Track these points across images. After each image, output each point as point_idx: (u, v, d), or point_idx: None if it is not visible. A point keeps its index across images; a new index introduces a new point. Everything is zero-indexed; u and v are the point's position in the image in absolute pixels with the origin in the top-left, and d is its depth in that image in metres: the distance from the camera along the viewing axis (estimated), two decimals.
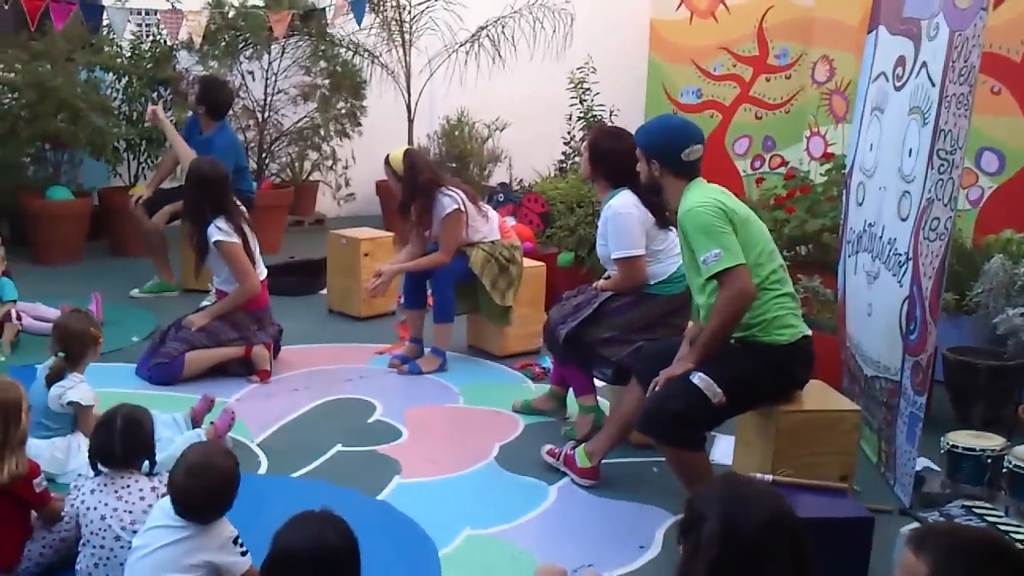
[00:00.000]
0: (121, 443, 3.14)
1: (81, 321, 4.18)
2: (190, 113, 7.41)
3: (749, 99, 8.89)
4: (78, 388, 4.00)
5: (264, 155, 8.73)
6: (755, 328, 3.63)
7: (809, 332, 3.72)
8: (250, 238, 5.33)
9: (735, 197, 3.77)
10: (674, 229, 4.49)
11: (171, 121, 7.77)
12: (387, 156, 5.59)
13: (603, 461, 4.19)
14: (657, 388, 3.64)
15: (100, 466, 3.18)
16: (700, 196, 3.67)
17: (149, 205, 6.74)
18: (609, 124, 8.57)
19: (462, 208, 5.43)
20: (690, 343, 3.82)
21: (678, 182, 3.78)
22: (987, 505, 3.71)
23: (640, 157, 3.88)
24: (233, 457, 3.01)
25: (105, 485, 3.13)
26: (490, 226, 5.60)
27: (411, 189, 5.46)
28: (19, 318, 5.53)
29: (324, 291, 6.81)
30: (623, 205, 4.44)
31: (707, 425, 3.65)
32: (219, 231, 5.21)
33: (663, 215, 4.44)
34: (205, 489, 2.85)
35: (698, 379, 3.54)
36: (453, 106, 9.44)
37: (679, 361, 3.70)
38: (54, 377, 3.99)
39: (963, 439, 4.04)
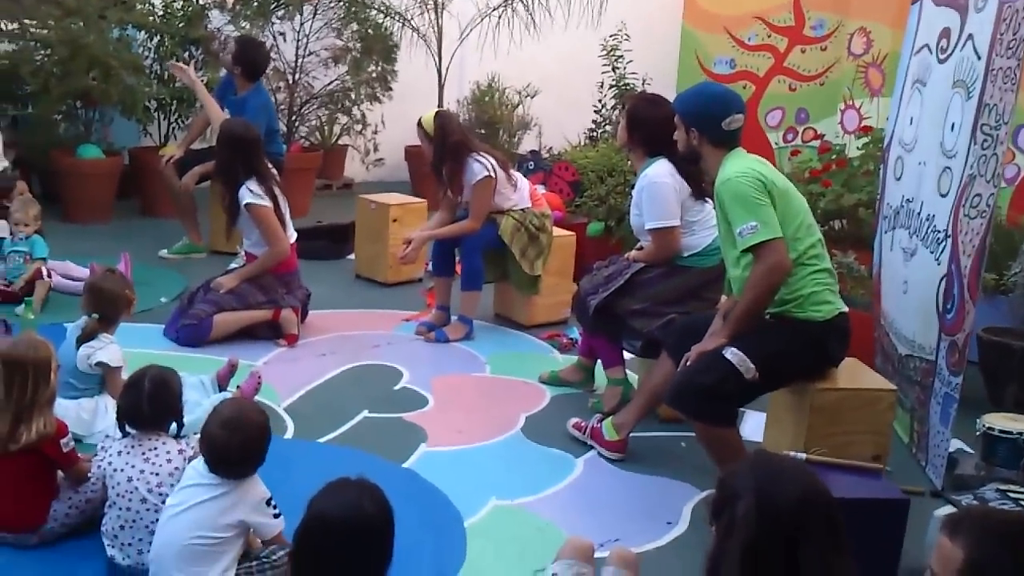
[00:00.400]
0: (149, 404, 3.13)
1: (116, 283, 4.16)
2: (223, 72, 7.40)
3: (783, 70, 8.74)
4: (107, 349, 3.99)
5: (294, 118, 8.68)
6: (791, 304, 3.56)
7: (846, 309, 3.65)
8: (281, 201, 5.31)
9: (774, 168, 3.70)
10: (710, 200, 4.43)
11: (203, 82, 7.78)
12: (419, 119, 5.54)
13: (631, 435, 4.16)
14: (689, 363, 3.59)
15: (128, 427, 3.17)
16: (739, 166, 3.59)
17: (179, 166, 6.72)
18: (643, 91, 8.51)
19: (492, 175, 5.38)
20: (723, 318, 3.76)
21: (717, 152, 3.70)
22: (1022, 489, 3.65)
23: (679, 125, 3.80)
24: (264, 412, 3.01)
25: (132, 447, 3.12)
26: (520, 194, 5.55)
27: (441, 151, 5.41)
28: (49, 276, 5.53)
29: (352, 256, 6.78)
30: (658, 174, 4.37)
31: (739, 401, 3.60)
32: (251, 193, 5.19)
33: (700, 185, 4.37)
34: (240, 442, 2.85)
35: (731, 354, 3.48)
36: (484, 72, 9.35)
37: (712, 336, 3.65)
38: (86, 338, 3.98)
39: (999, 421, 3.97)
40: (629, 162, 6.78)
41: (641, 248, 4.57)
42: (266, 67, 7.11)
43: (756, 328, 3.54)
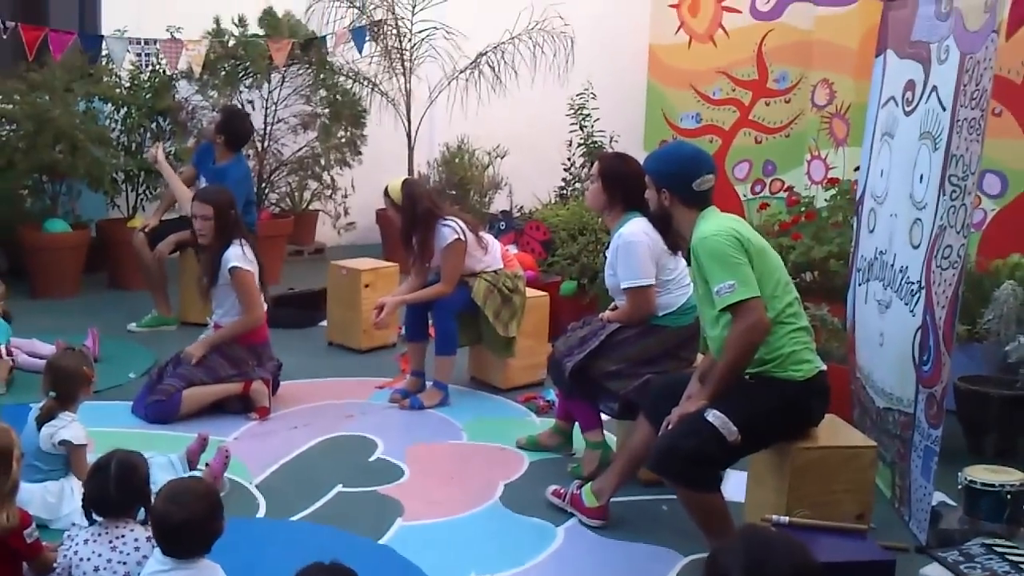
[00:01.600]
0: (116, 490, 3.05)
1: (73, 360, 4.09)
2: (193, 142, 7.40)
3: (749, 123, 8.83)
4: (70, 427, 3.90)
5: (264, 185, 8.66)
6: (770, 364, 3.53)
7: (824, 367, 3.63)
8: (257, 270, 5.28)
9: (750, 227, 3.68)
10: (681, 256, 4.42)
11: (169, 152, 7.76)
12: (386, 187, 5.52)
13: (611, 500, 4.08)
14: (670, 426, 3.54)
15: (95, 514, 3.08)
16: (715, 225, 3.58)
17: (152, 236, 6.67)
18: (610, 150, 8.54)
19: (462, 238, 5.35)
20: (700, 378, 3.72)
21: (690, 212, 3.68)
22: (1008, 543, 3.62)
23: (649, 185, 3.79)
24: (211, 485, 2.99)
25: (99, 535, 3.03)
26: (492, 255, 5.52)
27: (411, 219, 5.39)
28: (10, 354, 5.43)
29: (324, 323, 6.71)
30: (633, 233, 4.35)
31: (722, 464, 3.54)
32: (238, 257, 5.15)
33: (675, 240, 4.35)
34: (186, 516, 2.78)
35: (713, 416, 3.43)
36: (453, 133, 9.39)
37: (691, 398, 3.60)
38: (44, 417, 3.90)
39: (981, 474, 3.93)
40: (600, 220, 6.82)
41: (616, 308, 4.54)
42: (248, 138, 7.11)
43: (736, 389, 3.49)
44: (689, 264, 4.05)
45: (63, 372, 4.00)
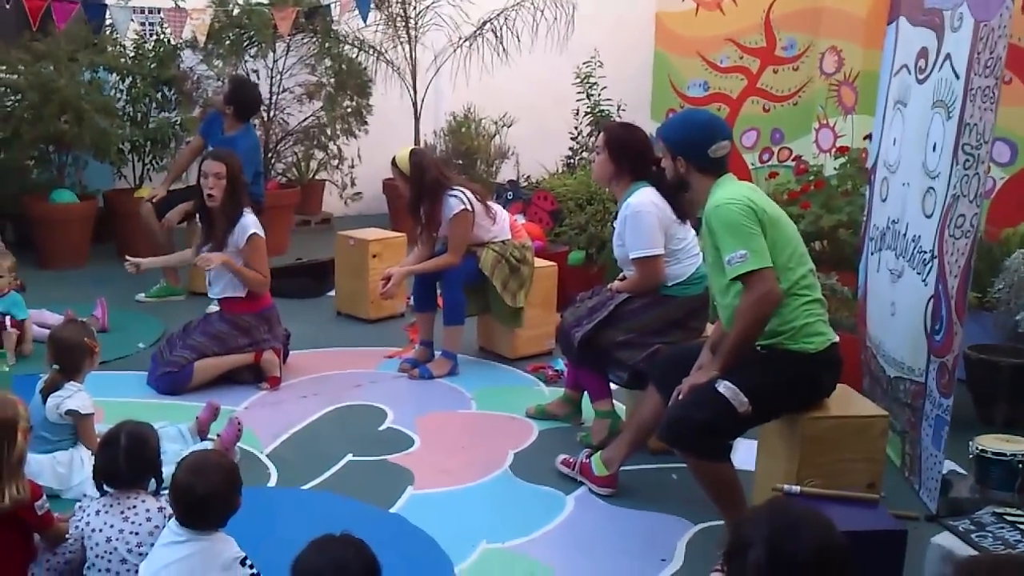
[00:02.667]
0: (126, 461, 3.05)
1: (75, 332, 4.08)
2: (199, 111, 7.37)
3: (756, 91, 8.78)
4: (76, 397, 3.91)
5: (270, 155, 8.63)
6: (783, 335, 3.50)
7: (837, 339, 3.60)
8: None
9: (765, 195, 3.65)
10: (689, 225, 4.39)
11: (175, 121, 7.74)
12: (393, 157, 5.49)
13: (621, 468, 4.09)
14: (681, 396, 3.53)
15: (105, 486, 3.09)
16: (729, 193, 3.53)
17: (159, 206, 6.66)
18: (617, 119, 8.50)
19: (469, 208, 5.33)
20: (712, 348, 3.71)
21: (705, 179, 3.64)
22: (1019, 512, 3.59)
23: (665, 153, 3.74)
24: (229, 458, 2.98)
25: (111, 506, 3.03)
26: (500, 225, 5.51)
27: (418, 189, 5.37)
28: (17, 328, 5.42)
29: (332, 293, 6.71)
30: (641, 203, 4.32)
31: (732, 434, 3.53)
32: (256, 224, 5.16)
33: (682, 208, 4.34)
34: (210, 489, 2.78)
35: (724, 387, 3.42)
36: (459, 102, 9.34)
37: (702, 369, 3.59)
38: (49, 389, 3.91)
39: (992, 443, 3.92)
40: (608, 190, 6.80)
41: (624, 278, 4.52)
42: (258, 108, 7.11)
43: (747, 360, 3.48)
44: (699, 232, 4.03)
45: (65, 344, 3.99)
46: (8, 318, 5.40)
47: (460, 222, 5.34)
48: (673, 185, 3.90)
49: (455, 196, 5.34)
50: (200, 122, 7.27)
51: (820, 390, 3.60)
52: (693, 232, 4.40)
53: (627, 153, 4.40)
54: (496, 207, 5.63)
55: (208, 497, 2.79)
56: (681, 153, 3.66)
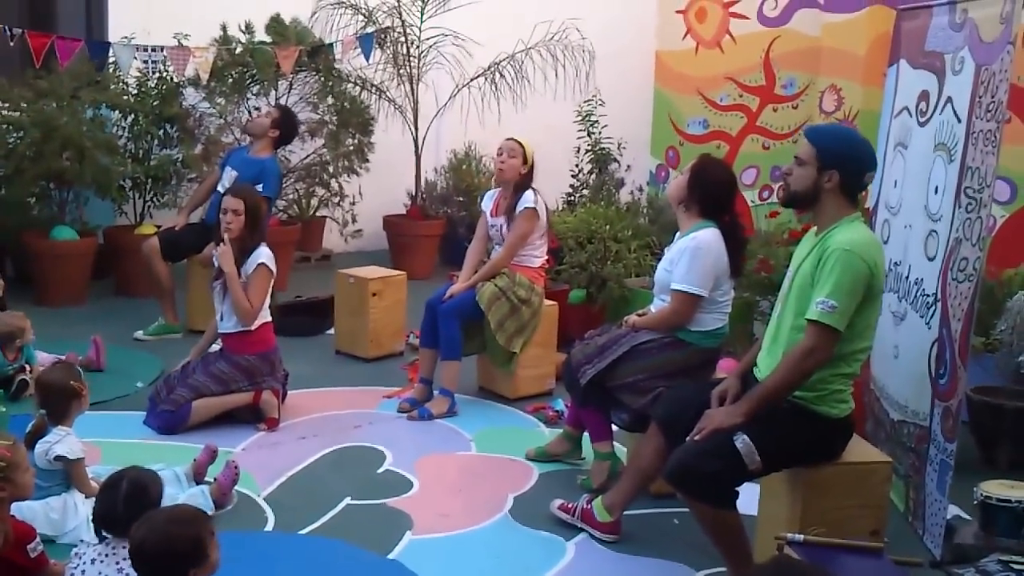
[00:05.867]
0: (125, 508, 3.00)
1: (61, 374, 4.03)
2: (200, 149, 7.41)
3: (756, 129, 8.80)
4: (64, 442, 3.85)
5: None
6: (812, 395, 3.45)
7: (854, 405, 3.58)
8: None
9: (883, 261, 3.53)
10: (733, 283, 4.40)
11: (177, 159, 7.75)
12: (518, 141, 5.60)
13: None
14: (698, 437, 3.45)
15: (104, 532, 3.05)
16: (865, 245, 3.37)
17: (166, 243, 6.61)
18: (617, 157, 8.56)
19: (538, 210, 5.47)
20: (740, 374, 3.67)
21: (843, 203, 3.45)
22: None
23: (809, 161, 3.45)
24: (193, 514, 2.83)
25: (107, 555, 2.99)
26: (540, 253, 5.62)
27: (525, 176, 5.55)
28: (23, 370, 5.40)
29: (331, 331, 6.68)
30: (709, 242, 4.26)
31: (739, 484, 3.49)
32: (269, 257, 5.17)
33: (738, 263, 4.34)
34: (156, 545, 2.67)
35: (741, 443, 3.36)
36: (460, 140, 9.36)
37: (729, 411, 3.49)
38: (35, 435, 3.85)
39: (996, 489, 3.88)
40: (608, 227, 6.79)
41: (643, 314, 4.48)
42: (293, 139, 7.23)
43: (770, 414, 3.42)
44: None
45: (51, 388, 3.95)
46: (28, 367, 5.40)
47: (526, 219, 5.44)
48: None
49: (535, 192, 5.50)
50: (217, 158, 7.29)
51: (832, 454, 3.56)
52: (733, 293, 4.40)
53: (705, 187, 4.33)
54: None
55: (161, 556, 2.67)
56: (836, 166, 3.40)
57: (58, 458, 3.83)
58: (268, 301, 5.25)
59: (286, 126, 6.81)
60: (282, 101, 8.47)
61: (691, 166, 4.41)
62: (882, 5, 7.50)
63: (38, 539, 3.12)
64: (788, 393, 3.43)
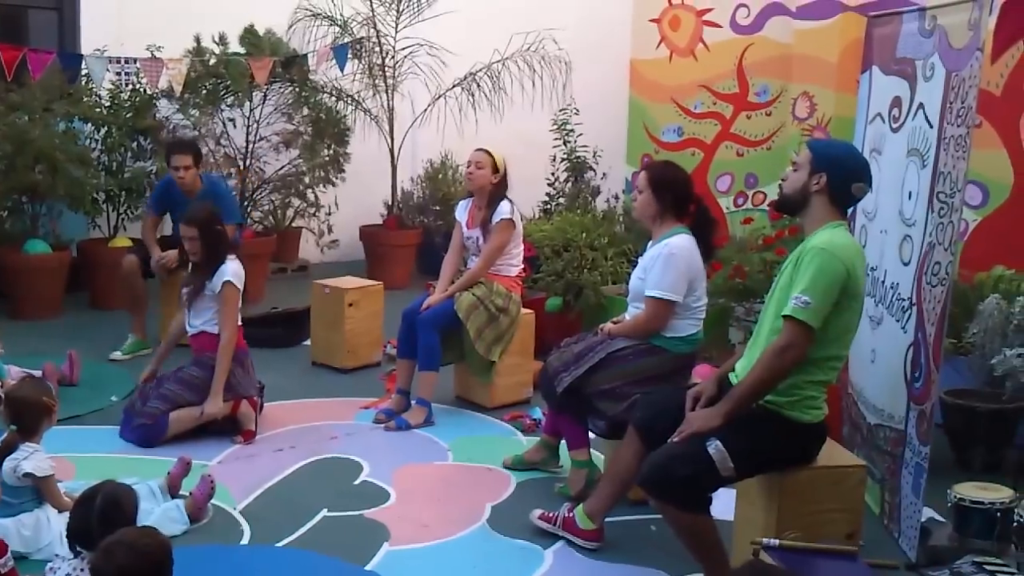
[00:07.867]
0: (99, 523, 2.97)
1: (31, 390, 3.99)
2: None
3: (730, 136, 8.85)
4: (32, 458, 3.79)
5: (246, 203, 8.60)
6: (785, 399, 3.47)
7: (827, 411, 3.60)
8: None
9: (865, 264, 3.56)
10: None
11: (150, 171, 7.70)
12: (488, 151, 5.63)
13: None
14: (676, 440, 3.46)
15: (78, 547, 3.02)
16: (842, 248, 3.40)
17: (145, 263, 6.54)
18: (592, 165, 8.59)
19: (514, 220, 5.51)
20: (719, 379, 3.67)
21: (829, 209, 3.51)
22: (998, 561, 3.59)
23: (804, 164, 3.54)
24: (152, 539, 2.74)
25: (81, 570, 2.96)
26: (517, 261, 5.65)
27: (498, 185, 5.58)
28: None
29: (307, 342, 6.65)
30: (681, 247, 4.29)
31: (712, 489, 3.50)
32: (234, 273, 5.14)
33: (709, 251, 4.42)
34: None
35: (714, 450, 3.38)
36: (436, 149, 9.36)
37: (706, 414, 3.49)
38: (4, 451, 3.80)
39: (970, 491, 3.91)
40: (585, 235, 6.80)
41: (618, 321, 4.49)
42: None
43: (744, 419, 3.43)
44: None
45: (20, 403, 3.90)
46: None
47: (503, 230, 5.47)
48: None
49: (511, 203, 5.53)
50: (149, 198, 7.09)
51: (805, 459, 3.57)
52: (707, 298, 4.43)
53: (670, 190, 4.36)
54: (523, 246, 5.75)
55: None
56: (826, 170, 3.48)
57: (26, 475, 3.78)
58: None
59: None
60: (256, 112, 8.46)
61: (646, 180, 4.40)
62: (853, 12, 7.57)
63: (8, 555, 3.08)
64: (766, 391, 3.44)
